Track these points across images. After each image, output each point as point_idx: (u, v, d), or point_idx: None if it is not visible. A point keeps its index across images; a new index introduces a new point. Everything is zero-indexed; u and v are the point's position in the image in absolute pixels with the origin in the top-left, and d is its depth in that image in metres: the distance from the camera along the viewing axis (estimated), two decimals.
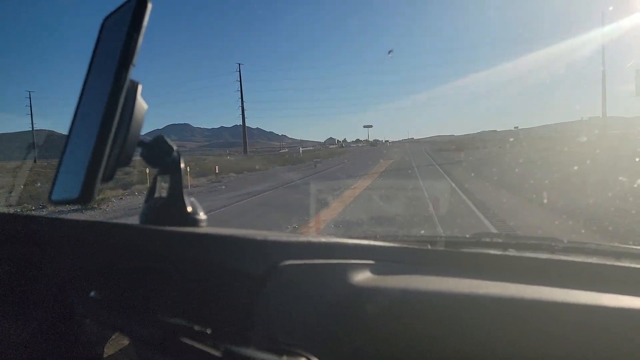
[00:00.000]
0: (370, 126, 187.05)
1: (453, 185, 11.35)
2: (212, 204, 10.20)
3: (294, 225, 6.91)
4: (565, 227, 5.90)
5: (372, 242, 0.78)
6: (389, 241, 0.87)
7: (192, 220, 0.71)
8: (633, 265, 0.77)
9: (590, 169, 12.84)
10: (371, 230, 6.47)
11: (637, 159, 13.52)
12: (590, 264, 0.79)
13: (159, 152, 0.68)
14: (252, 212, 9.07)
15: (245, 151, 60.00)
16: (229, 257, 0.63)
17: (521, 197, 8.73)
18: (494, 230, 5.76)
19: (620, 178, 9.73)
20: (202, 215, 0.72)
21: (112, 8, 0.61)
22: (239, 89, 59.56)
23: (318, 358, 0.46)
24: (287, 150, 70.21)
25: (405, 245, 0.85)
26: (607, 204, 7.10)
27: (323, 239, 0.71)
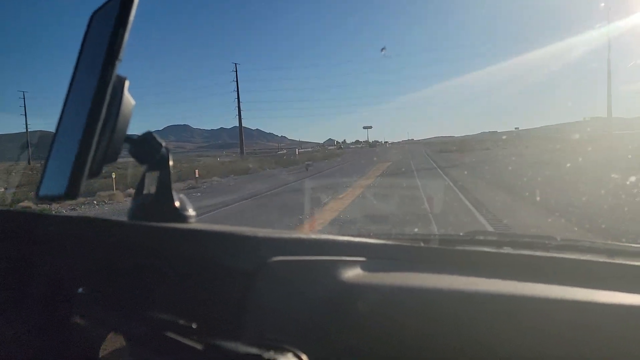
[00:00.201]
0: (370, 127, 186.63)
1: (469, 205, 8.49)
2: None
3: None
4: None
5: (364, 240, 0.78)
6: (382, 239, 0.86)
7: (181, 216, 0.70)
8: (626, 262, 0.77)
9: (616, 171, 11.52)
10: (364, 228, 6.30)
11: None
12: (584, 261, 0.79)
13: (147, 148, 0.68)
14: None
15: (241, 152, 59.10)
16: (218, 252, 0.64)
17: (570, 220, 6.52)
18: None
19: None
20: (191, 211, 0.72)
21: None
22: (236, 90, 58.59)
23: (307, 354, 0.47)
24: (285, 151, 69.22)
25: (398, 243, 0.85)
26: None
27: (314, 236, 0.72)
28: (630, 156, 17.57)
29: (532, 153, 25.54)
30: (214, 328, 0.54)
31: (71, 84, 0.61)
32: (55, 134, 0.60)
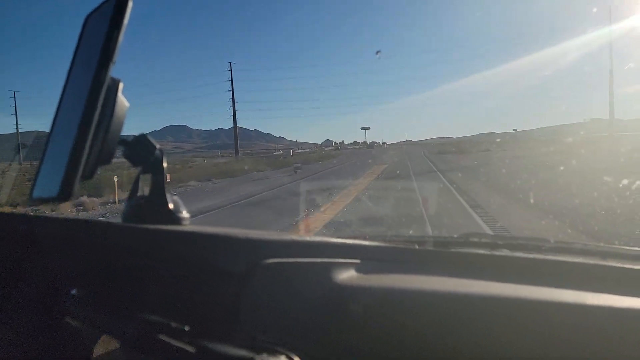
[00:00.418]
0: (368, 128, 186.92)
1: (474, 214, 7.85)
2: None
3: None
4: None
5: (358, 242, 0.78)
6: (376, 241, 0.86)
7: (175, 218, 0.70)
8: (618, 264, 0.77)
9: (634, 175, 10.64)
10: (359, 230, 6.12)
11: None
12: (577, 263, 0.79)
13: (141, 150, 0.68)
14: None
15: (236, 153, 58.12)
16: (211, 255, 0.63)
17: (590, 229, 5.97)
18: None
19: None
20: (184, 214, 0.72)
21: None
22: (231, 89, 57.58)
23: (299, 356, 0.46)
24: (281, 152, 68.31)
25: (392, 245, 0.84)
26: None
27: (308, 238, 0.72)
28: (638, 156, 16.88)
29: (536, 155, 23.76)
30: (207, 330, 0.55)
31: (65, 86, 0.60)
32: (49, 136, 0.60)
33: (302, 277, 0.65)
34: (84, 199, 12.66)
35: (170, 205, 0.71)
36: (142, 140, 0.69)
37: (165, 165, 0.70)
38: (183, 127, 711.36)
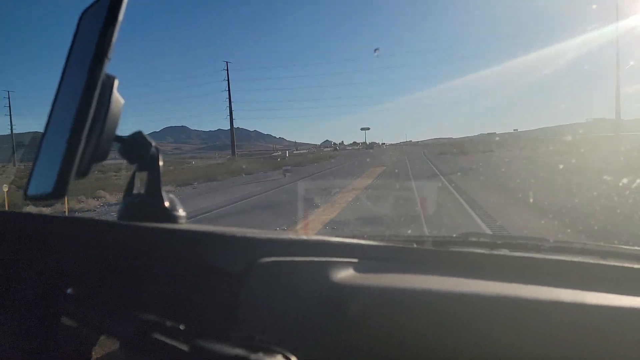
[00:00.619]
0: (368, 129, 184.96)
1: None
2: None
3: None
4: None
5: (356, 241, 0.78)
6: (375, 240, 0.86)
7: (171, 216, 0.71)
8: (618, 264, 0.77)
9: None
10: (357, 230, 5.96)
11: None
12: (576, 262, 0.79)
13: (137, 148, 0.68)
14: None
15: (233, 154, 57.07)
16: (208, 253, 0.63)
17: None
18: None
19: None
20: (181, 212, 0.72)
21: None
22: (227, 89, 56.48)
23: (297, 356, 0.46)
24: (280, 153, 67.11)
25: (391, 244, 0.84)
26: None
27: (305, 237, 0.71)
28: None
29: (544, 155, 22.16)
30: (203, 329, 0.54)
31: (60, 83, 0.60)
32: (44, 133, 0.60)
33: (300, 276, 0.64)
34: None
35: (166, 203, 0.70)
36: (137, 138, 0.68)
37: (161, 163, 0.70)
38: (183, 128, 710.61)
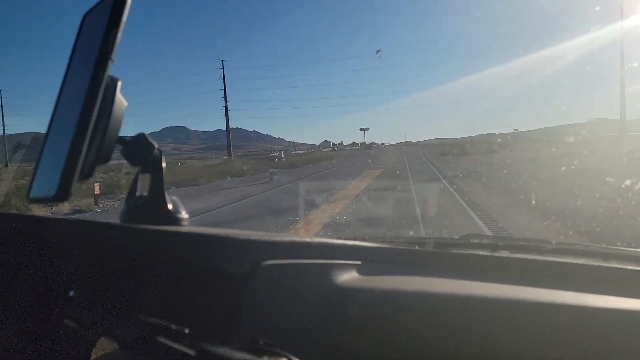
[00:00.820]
0: (367, 129, 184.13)
1: None
2: None
3: None
4: None
5: (358, 243, 0.78)
6: (377, 242, 0.86)
7: (174, 219, 0.70)
8: (620, 266, 0.77)
9: None
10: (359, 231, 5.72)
11: None
12: (578, 264, 0.79)
13: (139, 150, 0.68)
14: None
15: (229, 155, 56.03)
16: (211, 256, 0.63)
17: None
18: None
19: None
20: (184, 214, 0.72)
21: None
22: (223, 88, 55.46)
23: (300, 358, 0.46)
24: (277, 153, 66.05)
25: (393, 246, 0.84)
26: None
27: (308, 239, 0.71)
28: None
29: (552, 157, 20.09)
30: (206, 332, 0.54)
31: (63, 85, 0.60)
32: (46, 135, 0.60)
33: (302, 279, 0.64)
34: None
35: (170, 206, 0.70)
36: (140, 140, 0.68)
37: (164, 165, 0.69)
38: (182, 129, 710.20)
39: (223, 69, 56.23)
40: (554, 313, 0.58)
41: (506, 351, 0.56)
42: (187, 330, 0.47)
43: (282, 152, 57.11)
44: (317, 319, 0.61)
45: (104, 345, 0.67)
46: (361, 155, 49.66)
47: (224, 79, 56.57)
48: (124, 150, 0.67)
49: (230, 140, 58.83)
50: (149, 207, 0.69)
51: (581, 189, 9.13)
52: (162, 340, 0.46)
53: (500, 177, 13.85)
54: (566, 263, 0.80)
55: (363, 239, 0.87)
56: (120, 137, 0.62)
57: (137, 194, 0.72)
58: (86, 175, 0.54)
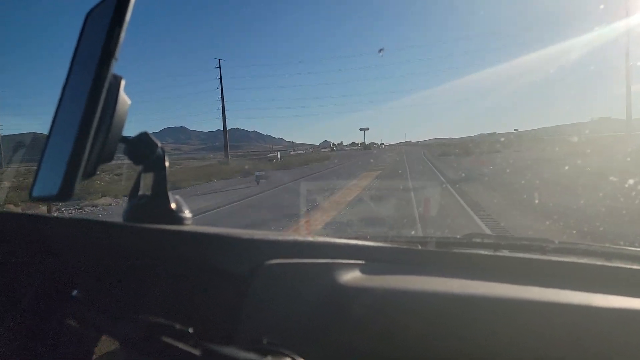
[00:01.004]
0: (367, 129, 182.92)
1: None
2: None
3: None
4: None
5: (361, 242, 0.78)
6: (379, 241, 0.86)
7: (177, 218, 0.70)
8: (623, 265, 0.77)
9: None
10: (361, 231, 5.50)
11: None
12: (581, 264, 0.79)
13: (143, 149, 0.68)
14: None
15: (226, 155, 55.06)
16: (214, 255, 0.63)
17: None
18: None
19: None
20: (187, 213, 0.72)
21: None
22: (220, 87, 54.51)
23: (304, 358, 0.46)
24: (275, 153, 65.00)
25: (396, 246, 0.84)
26: None
27: (311, 239, 0.71)
28: None
29: (563, 157, 18.20)
30: (209, 331, 0.54)
31: (66, 84, 0.60)
32: (49, 134, 0.60)
33: (305, 278, 0.64)
34: None
35: (172, 205, 0.70)
36: (143, 139, 0.67)
37: (167, 164, 0.69)
38: (182, 129, 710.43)
39: (220, 67, 55.26)
40: (556, 312, 0.58)
41: (508, 350, 0.56)
42: (191, 330, 0.46)
43: (279, 153, 55.59)
44: (320, 318, 0.61)
45: (106, 344, 0.67)
46: (360, 156, 48.60)
47: (220, 78, 55.60)
48: (127, 149, 0.66)
49: (227, 140, 57.87)
50: (152, 206, 0.69)
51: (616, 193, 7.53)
52: (167, 340, 0.46)
53: (515, 182, 11.34)
54: (569, 262, 0.79)
55: (365, 239, 0.86)
56: (123, 136, 0.62)
57: (140, 193, 0.71)
58: (89, 174, 0.54)
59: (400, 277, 0.71)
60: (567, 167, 13.48)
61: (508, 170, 15.35)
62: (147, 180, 0.71)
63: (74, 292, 0.63)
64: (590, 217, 6.41)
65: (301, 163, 34.42)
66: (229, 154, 59.41)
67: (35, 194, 0.58)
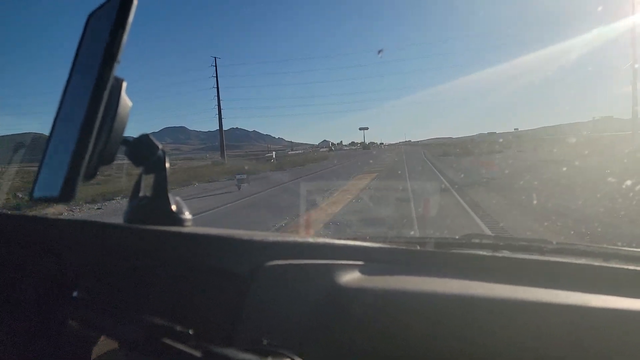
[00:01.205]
0: (366, 128, 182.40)
1: None
2: None
3: None
4: None
5: (360, 243, 0.78)
6: (379, 242, 0.86)
7: (177, 219, 0.70)
8: (620, 266, 0.77)
9: None
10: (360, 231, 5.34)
11: None
12: (579, 265, 0.79)
13: (143, 150, 0.68)
14: None
15: (222, 155, 53.99)
16: (214, 256, 0.64)
17: None
18: None
19: None
20: (187, 215, 0.72)
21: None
22: (216, 86, 53.44)
23: (303, 358, 0.46)
24: (273, 153, 63.98)
25: (395, 246, 0.84)
26: None
27: (310, 240, 0.72)
28: None
29: (573, 157, 16.03)
30: (209, 332, 0.54)
31: (67, 85, 0.60)
32: (50, 135, 0.60)
33: (305, 279, 0.65)
34: None
35: (173, 207, 0.70)
36: (144, 140, 0.68)
37: (167, 165, 0.69)
38: (182, 129, 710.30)
39: (215, 66, 54.29)
40: (554, 313, 0.58)
41: (507, 350, 0.56)
42: (191, 331, 0.46)
43: (274, 153, 54.35)
44: (320, 318, 0.61)
45: (106, 345, 0.67)
46: (358, 156, 47.42)
47: (216, 76, 54.58)
48: (128, 151, 0.66)
49: (223, 140, 56.88)
50: (153, 208, 0.69)
51: None
52: (167, 341, 0.46)
53: (531, 188, 9.62)
54: (567, 263, 0.79)
55: (364, 239, 0.86)
56: (125, 138, 0.62)
57: (141, 194, 0.71)
58: (90, 175, 0.54)
59: (400, 278, 0.71)
60: (580, 167, 11.91)
61: (519, 173, 13.45)
62: (147, 182, 0.70)
63: (75, 293, 0.63)
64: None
65: (297, 163, 33.15)
66: (228, 153, 58.26)
67: (36, 194, 0.58)
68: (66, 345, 0.65)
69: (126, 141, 0.65)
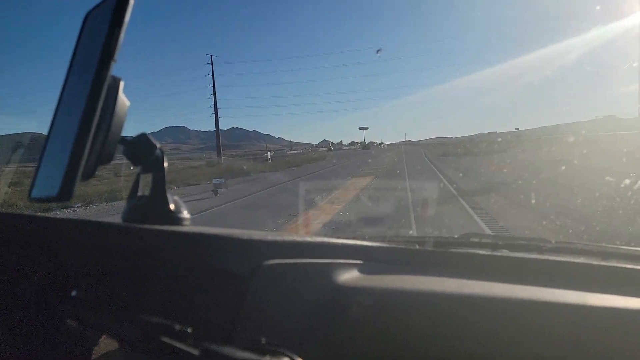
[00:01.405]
0: (366, 128, 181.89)
1: None
2: None
3: None
4: None
5: (359, 242, 0.78)
6: (377, 241, 0.86)
7: (176, 218, 0.71)
8: (619, 265, 0.77)
9: None
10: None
11: None
12: (578, 263, 0.79)
13: (141, 149, 0.68)
14: None
15: (218, 155, 53.12)
16: (213, 255, 0.64)
17: None
18: None
19: None
20: (185, 214, 0.72)
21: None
22: (212, 85, 52.48)
23: (302, 358, 0.46)
24: (273, 153, 62.91)
25: (394, 245, 0.84)
26: None
27: (309, 239, 0.72)
28: None
29: (583, 157, 14.75)
30: (208, 332, 0.54)
31: (65, 84, 0.60)
32: (48, 135, 0.60)
33: (304, 278, 0.65)
34: None
35: (171, 206, 0.70)
36: (142, 140, 0.68)
37: (166, 164, 0.69)
38: (182, 129, 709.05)
39: (212, 64, 53.33)
40: (553, 312, 0.58)
41: (506, 350, 0.56)
42: (190, 330, 0.46)
43: (269, 153, 53.05)
44: (319, 318, 0.61)
45: (105, 344, 0.67)
46: (357, 156, 46.43)
47: (212, 75, 53.64)
48: (126, 150, 0.66)
49: (219, 139, 55.88)
50: (151, 207, 0.69)
51: None
52: (166, 339, 0.46)
53: (545, 189, 8.49)
54: (566, 262, 0.79)
55: (363, 239, 0.85)
56: (123, 137, 0.62)
57: (139, 194, 0.71)
58: (88, 175, 0.54)
59: (399, 277, 0.71)
60: (597, 169, 10.33)
61: (529, 175, 11.88)
62: (145, 181, 0.70)
63: (74, 293, 0.63)
64: None
65: (293, 164, 31.98)
66: (227, 153, 57.18)
67: (34, 194, 0.58)
68: (65, 345, 0.65)
69: (124, 140, 0.64)
